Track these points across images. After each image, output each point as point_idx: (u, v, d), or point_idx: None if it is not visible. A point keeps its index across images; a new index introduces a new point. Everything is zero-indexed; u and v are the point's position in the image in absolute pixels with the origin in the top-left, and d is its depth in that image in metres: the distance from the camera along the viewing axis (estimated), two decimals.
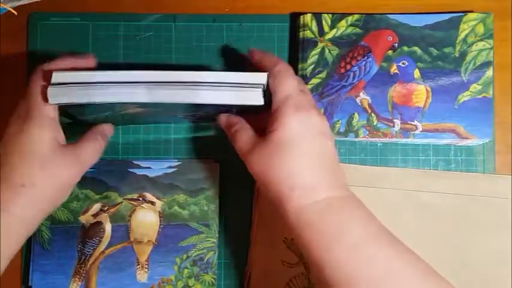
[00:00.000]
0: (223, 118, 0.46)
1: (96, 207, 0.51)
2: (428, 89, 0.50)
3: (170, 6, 0.54)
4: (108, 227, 0.51)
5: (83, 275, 0.50)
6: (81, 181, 0.48)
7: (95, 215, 0.51)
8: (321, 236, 0.37)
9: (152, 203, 0.51)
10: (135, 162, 0.52)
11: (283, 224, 0.39)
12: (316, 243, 0.37)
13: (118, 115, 0.47)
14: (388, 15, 0.51)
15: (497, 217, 0.51)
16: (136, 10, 0.54)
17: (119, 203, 0.51)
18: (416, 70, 0.50)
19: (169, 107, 0.43)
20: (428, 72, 0.50)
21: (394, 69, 0.51)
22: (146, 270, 0.50)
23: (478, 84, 0.50)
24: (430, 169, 0.53)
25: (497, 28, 0.51)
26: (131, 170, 0.52)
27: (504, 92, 0.53)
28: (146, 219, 0.51)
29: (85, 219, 0.51)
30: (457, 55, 0.51)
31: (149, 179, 0.51)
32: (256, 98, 0.40)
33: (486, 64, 0.50)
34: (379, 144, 0.53)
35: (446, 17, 0.51)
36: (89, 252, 0.50)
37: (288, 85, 0.40)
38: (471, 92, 0.50)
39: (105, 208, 0.51)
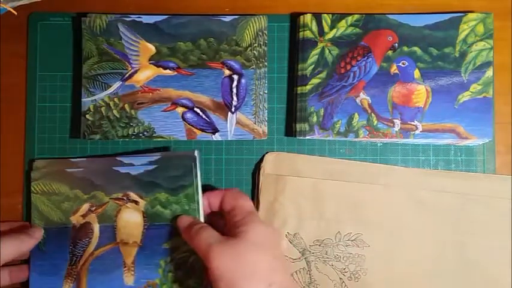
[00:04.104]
0: (185, 219, 0.48)
1: (85, 207, 0.50)
2: (429, 89, 0.50)
3: (170, 6, 0.54)
4: (96, 227, 0.50)
5: (74, 276, 0.50)
6: (71, 181, 0.51)
7: (84, 215, 0.50)
8: None
9: (136, 202, 0.50)
10: (118, 158, 0.50)
11: None
12: None
13: None
14: (388, 15, 0.51)
15: (497, 217, 0.51)
16: (136, 10, 0.54)
17: (106, 203, 0.50)
18: (417, 70, 0.50)
19: None
20: (428, 72, 0.51)
21: (394, 69, 0.51)
22: (132, 273, 0.49)
23: (478, 84, 0.50)
24: (430, 169, 0.53)
25: (497, 28, 0.51)
26: (115, 168, 0.50)
27: (504, 92, 0.53)
28: (131, 219, 0.50)
29: (75, 219, 0.50)
30: (457, 55, 0.51)
31: (132, 177, 0.50)
32: None
33: (486, 64, 0.50)
34: (379, 144, 0.53)
35: (446, 17, 0.51)
36: (79, 253, 0.50)
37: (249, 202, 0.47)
38: (471, 92, 0.50)
39: (93, 208, 0.50)
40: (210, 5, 0.54)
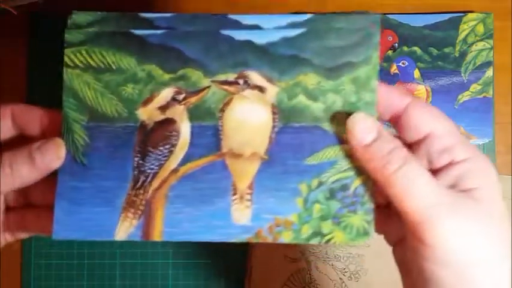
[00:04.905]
0: (366, 123, 0.27)
1: (166, 94, 0.31)
2: (428, 89, 0.50)
3: (170, 6, 0.54)
4: (185, 128, 0.31)
5: (141, 208, 0.30)
6: (141, 49, 0.31)
7: (163, 108, 0.31)
8: None
9: (260, 88, 0.31)
10: (231, 17, 0.32)
11: None
12: None
13: None
14: (388, 15, 0.51)
15: None
16: (136, 10, 0.54)
17: (204, 89, 0.31)
18: (416, 70, 0.51)
19: None
20: (428, 72, 0.51)
21: (394, 69, 0.51)
22: (248, 204, 0.30)
23: (478, 84, 0.50)
24: None
25: (497, 28, 0.51)
26: (225, 31, 0.31)
27: (504, 92, 0.53)
28: (250, 117, 0.31)
29: (147, 114, 0.31)
30: (457, 55, 0.51)
31: (256, 48, 0.31)
32: None
33: (486, 64, 0.50)
34: None
35: (446, 17, 0.51)
36: (152, 169, 0.31)
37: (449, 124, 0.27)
38: (471, 92, 0.50)
39: (181, 96, 0.31)
40: (210, 5, 0.54)
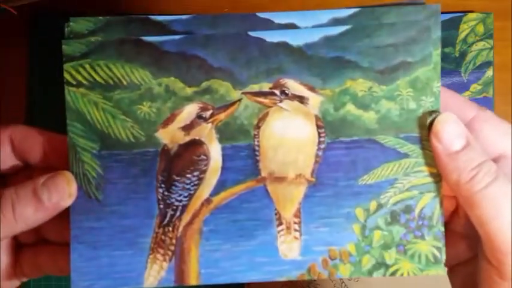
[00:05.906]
0: (455, 127, 0.23)
1: (190, 111, 0.26)
2: None
3: (169, 7, 0.54)
4: (214, 150, 0.26)
5: (171, 247, 0.26)
6: (156, 61, 0.26)
7: (187, 128, 0.26)
8: None
9: (301, 98, 0.26)
10: (260, 15, 0.27)
11: None
12: None
13: None
14: None
15: None
16: (136, 10, 0.54)
17: (235, 103, 0.26)
18: None
19: None
20: None
21: None
22: (297, 235, 0.26)
23: (478, 84, 0.50)
24: None
25: (497, 28, 0.51)
26: (255, 33, 0.26)
27: (504, 92, 0.53)
28: (291, 133, 0.26)
29: (168, 136, 0.26)
30: (457, 55, 0.51)
31: (293, 51, 0.26)
32: None
33: (486, 64, 0.50)
34: None
35: (446, 17, 0.51)
36: (180, 202, 0.26)
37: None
38: (471, 92, 0.50)
39: (208, 113, 0.26)
40: (209, 4, 0.54)
